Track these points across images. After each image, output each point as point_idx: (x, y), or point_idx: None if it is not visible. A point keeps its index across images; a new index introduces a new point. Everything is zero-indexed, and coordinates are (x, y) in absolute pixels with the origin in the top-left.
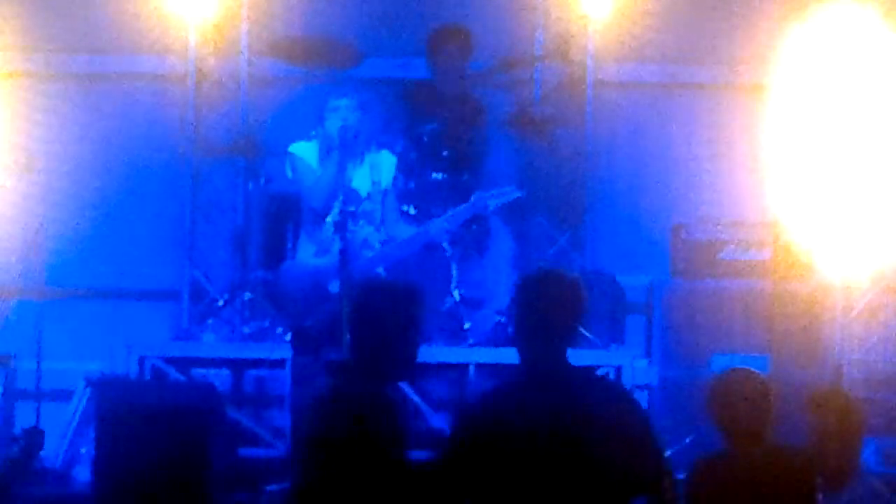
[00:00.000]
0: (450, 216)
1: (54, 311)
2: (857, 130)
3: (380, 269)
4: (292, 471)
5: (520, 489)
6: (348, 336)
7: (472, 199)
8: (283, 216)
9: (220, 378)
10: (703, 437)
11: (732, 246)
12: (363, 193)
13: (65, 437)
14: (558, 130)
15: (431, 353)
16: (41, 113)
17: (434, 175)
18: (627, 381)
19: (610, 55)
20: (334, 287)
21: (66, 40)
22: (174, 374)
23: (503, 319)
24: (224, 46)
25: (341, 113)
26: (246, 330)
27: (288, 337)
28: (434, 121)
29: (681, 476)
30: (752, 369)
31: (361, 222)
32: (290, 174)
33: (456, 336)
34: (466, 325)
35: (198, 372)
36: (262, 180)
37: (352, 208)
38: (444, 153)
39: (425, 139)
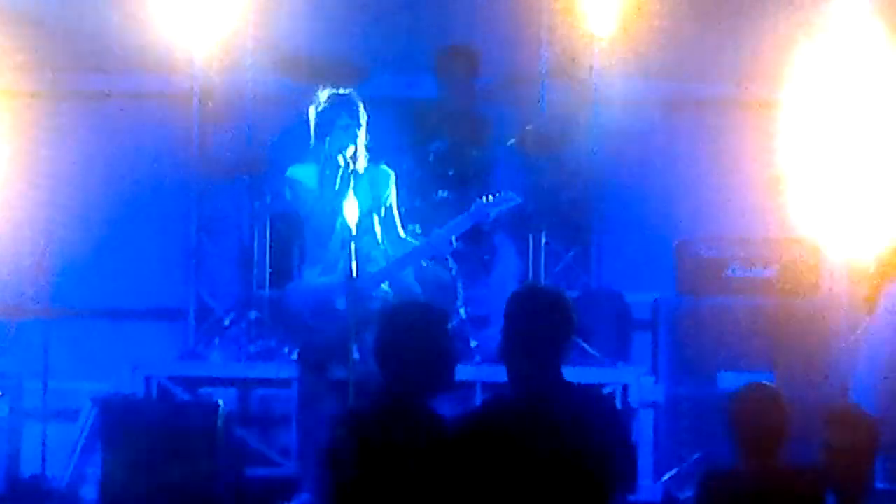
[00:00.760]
0: (451, 226)
1: (60, 330)
2: (863, 147)
3: (385, 286)
4: (312, 489)
5: None
6: (386, 356)
7: (472, 207)
8: (288, 235)
9: (227, 397)
10: (710, 454)
11: (738, 263)
12: (365, 209)
13: (71, 457)
14: (564, 148)
15: None
16: (48, 132)
17: (440, 193)
18: (634, 398)
19: (615, 72)
20: (341, 304)
21: (73, 60)
22: (180, 393)
23: None
24: (229, 65)
25: (344, 131)
26: (252, 349)
27: (294, 356)
28: (440, 139)
29: (688, 493)
30: (771, 385)
31: (365, 238)
32: (288, 197)
33: (462, 354)
34: (473, 344)
35: (204, 391)
36: (268, 198)
37: (355, 224)
38: (450, 171)
39: (431, 157)
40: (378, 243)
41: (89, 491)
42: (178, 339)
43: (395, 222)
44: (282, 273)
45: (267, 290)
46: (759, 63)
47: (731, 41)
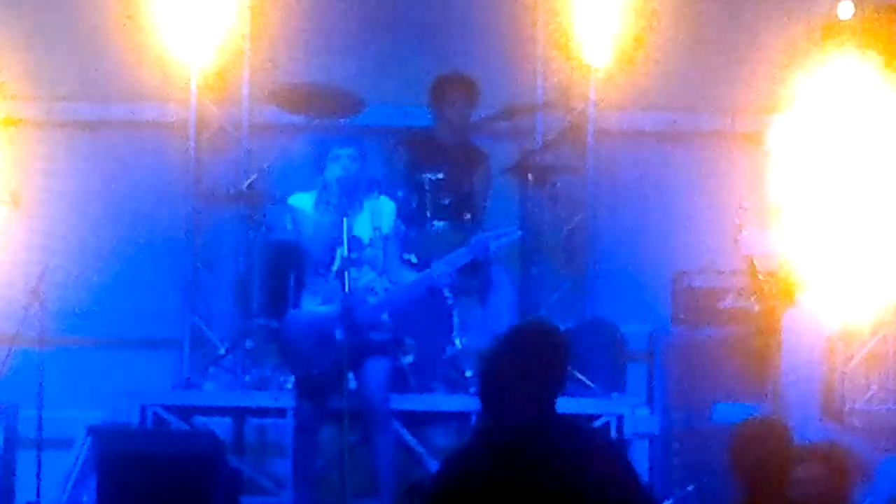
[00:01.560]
0: (451, 259)
1: (56, 359)
2: (857, 178)
3: (384, 316)
4: None
5: None
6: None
7: (472, 241)
8: (285, 264)
9: (222, 426)
10: (705, 485)
11: (734, 294)
12: (365, 240)
13: (66, 486)
14: (560, 178)
15: (432, 401)
16: (43, 160)
17: (436, 223)
18: (629, 429)
19: (611, 103)
20: (338, 335)
21: (69, 88)
22: (176, 422)
23: None
24: (226, 94)
25: (342, 162)
26: (247, 378)
27: (290, 385)
28: (435, 169)
29: None
30: (777, 419)
31: (365, 268)
32: (289, 226)
33: (457, 384)
34: (468, 373)
35: (199, 420)
36: (264, 228)
37: (354, 255)
38: (446, 201)
39: (427, 187)
40: (377, 274)
41: None
42: (174, 368)
43: (395, 253)
44: (278, 302)
45: (263, 319)
46: (756, 94)
47: (728, 72)
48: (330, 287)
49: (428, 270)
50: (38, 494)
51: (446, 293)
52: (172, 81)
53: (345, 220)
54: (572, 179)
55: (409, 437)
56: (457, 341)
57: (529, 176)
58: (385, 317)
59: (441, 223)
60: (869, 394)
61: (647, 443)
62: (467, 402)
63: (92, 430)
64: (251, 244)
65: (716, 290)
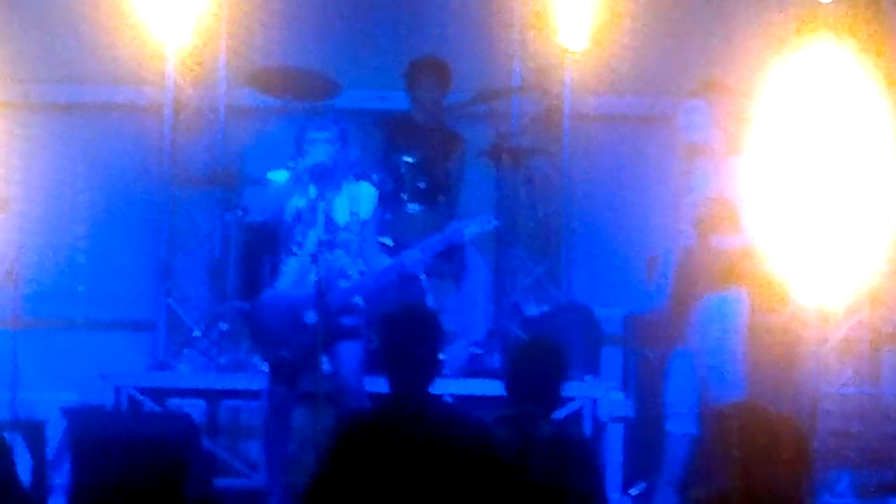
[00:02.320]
0: (425, 246)
1: (30, 341)
2: (833, 162)
3: (357, 299)
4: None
5: None
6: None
7: (448, 229)
8: (259, 247)
9: (196, 408)
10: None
11: None
12: (340, 223)
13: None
14: (536, 162)
15: None
16: (18, 143)
17: (411, 206)
18: (603, 412)
19: (587, 87)
20: (311, 318)
21: (44, 71)
22: (150, 404)
23: (479, 351)
24: (202, 77)
25: (319, 145)
26: (222, 360)
27: (264, 367)
28: (411, 152)
29: None
30: (758, 403)
31: (338, 252)
32: (266, 201)
33: None
34: (442, 357)
35: (174, 402)
36: (239, 211)
37: (328, 238)
38: (422, 185)
39: (402, 170)
40: (352, 258)
41: (58, 502)
42: (148, 350)
43: (372, 239)
44: (252, 285)
45: (237, 301)
46: (732, 79)
47: (704, 57)
48: (303, 269)
49: (400, 257)
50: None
51: (421, 276)
52: (148, 64)
53: (320, 202)
54: (548, 163)
55: None
56: None
57: (505, 159)
58: (358, 300)
59: (416, 206)
60: (842, 378)
61: (621, 426)
62: (441, 385)
63: (66, 413)
64: (226, 226)
65: None
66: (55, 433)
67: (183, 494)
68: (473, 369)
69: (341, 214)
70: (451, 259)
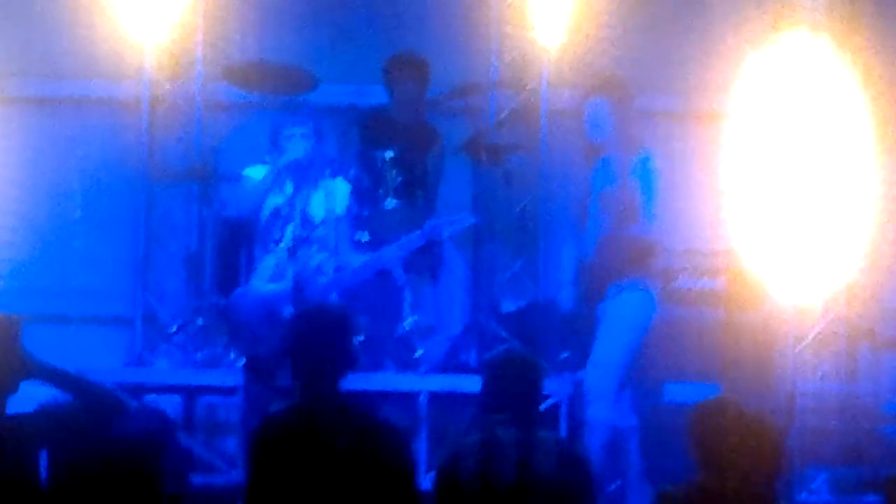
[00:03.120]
0: (402, 243)
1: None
2: (811, 160)
3: (333, 295)
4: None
5: None
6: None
7: (425, 226)
8: (236, 242)
9: (172, 404)
10: (655, 465)
11: (685, 274)
12: (317, 220)
13: None
14: (513, 157)
15: (383, 380)
16: None
17: (388, 202)
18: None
19: (565, 83)
20: (287, 313)
21: (20, 64)
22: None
23: (456, 347)
24: (179, 71)
25: (296, 141)
26: (198, 356)
27: (241, 364)
28: (388, 148)
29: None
30: (731, 398)
31: (315, 248)
32: (243, 197)
33: (407, 363)
34: (418, 353)
35: (150, 398)
36: (217, 206)
37: (305, 234)
38: (398, 180)
39: (379, 166)
40: (328, 254)
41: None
42: (125, 346)
43: (346, 235)
44: (229, 280)
45: (214, 297)
46: (709, 75)
47: (682, 53)
48: (279, 265)
49: (377, 254)
50: None
51: (397, 272)
52: (125, 58)
53: (296, 198)
54: (525, 158)
55: None
56: (408, 320)
57: (482, 155)
58: (335, 296)
59: (394, 202)
60: (819, 374)
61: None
62: (418, 382)
63: (42, 408)
64: (203, 221)
65: (667, 270)
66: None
67: (159, 490)
68: (450, 365)
69: (317, 210)
70: (428, 254)
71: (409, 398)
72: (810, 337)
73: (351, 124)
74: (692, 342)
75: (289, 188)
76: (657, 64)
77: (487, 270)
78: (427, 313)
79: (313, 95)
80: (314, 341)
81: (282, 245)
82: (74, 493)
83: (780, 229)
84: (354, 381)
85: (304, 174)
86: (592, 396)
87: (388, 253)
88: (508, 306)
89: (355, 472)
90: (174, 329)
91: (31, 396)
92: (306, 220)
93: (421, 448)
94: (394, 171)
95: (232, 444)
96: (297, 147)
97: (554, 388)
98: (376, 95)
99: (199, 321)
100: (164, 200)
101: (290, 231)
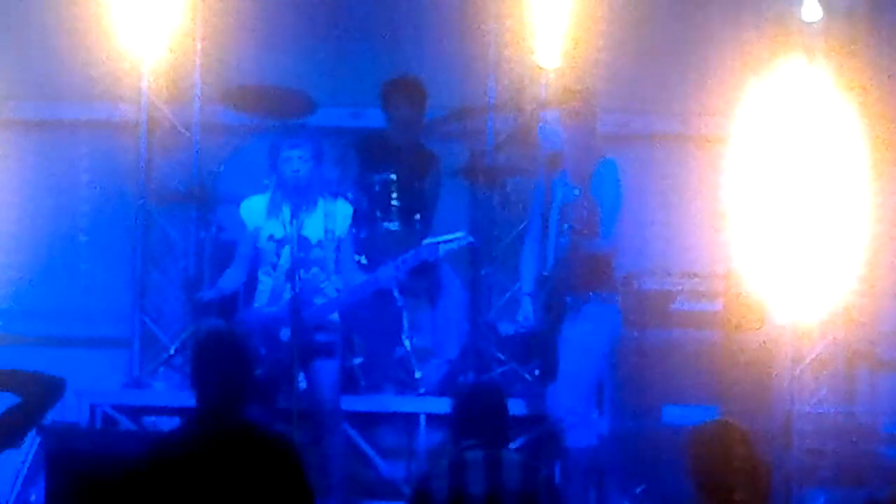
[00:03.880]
0: (400, 262)
1: (4, 357)
2: (808, 184)
3: (333, 316)
4: None
5: None
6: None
7: (422, 245)
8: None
9: (171, 426)
10: (654, 487)
11: (684, 296)
12: (314, 241)
13: (14, 485)
14: (511, 179)
15: (382, 402)
16: None
17: (386, 224)
18: None
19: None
20: (286, 335)
21: (18, 87)
22: (125, 422)
23: (455, 369)
24: (177, 94)
25: (293, 163)
26: None
27: None
28: (386, 170)
29: None
30: (733, 422)
31: (314, 269)
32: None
33: (406, 385)
34: (417, 375)
35: (149, 420)
36: (214, 228)
37: (302, 255)
38: (396, 203)
39: (377, 188)
40: (327, 275)
41: None
42: (123, 368)
43: (349, 255)
44: (227, 303)
45: (212, 319)
46: (707, 98)
47: (679, 75)
48: (278, 286)
49: (374, 273)
50: None
51: (396, 294)
52: (123, 81)
53: (294, 220)
54: (523, 181)
55: (358, 439)
56: (406, 342)
57: (480, 177)
58: (334, 317)
59: (391, 224)
60: (818, 396)
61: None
62: (417, 404)
63: (41, 430)
64: (201, 244)
65: (666, 292)
66: (30, 450)
67: None
68: (449, 387)
69: (316, 232)
70: (426, 277)
71: (408, 419)
72: (809, 359)
73: (348, 147)
74: (691, 364)
75: (286, 210)
76: (655, 87)
77: (485, 293)
78: (425, 336)
79: (312, 118)
80: (205, 367)
81: (280, 267)
82: None
83: (778, 252)
84: (354, 403)
85: (302, 196)
86: (563, 415)
87: (386, 272)
88: (506, 329)
89: (237, 492)
90: (172, 351)
91: None
92: (304, 242)
93: (420, 469)
94: (391, 194)
95: None
96: (295, 169)
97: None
98: (374, 118)
99: None
100: (162, 223)
101: (286, 253)
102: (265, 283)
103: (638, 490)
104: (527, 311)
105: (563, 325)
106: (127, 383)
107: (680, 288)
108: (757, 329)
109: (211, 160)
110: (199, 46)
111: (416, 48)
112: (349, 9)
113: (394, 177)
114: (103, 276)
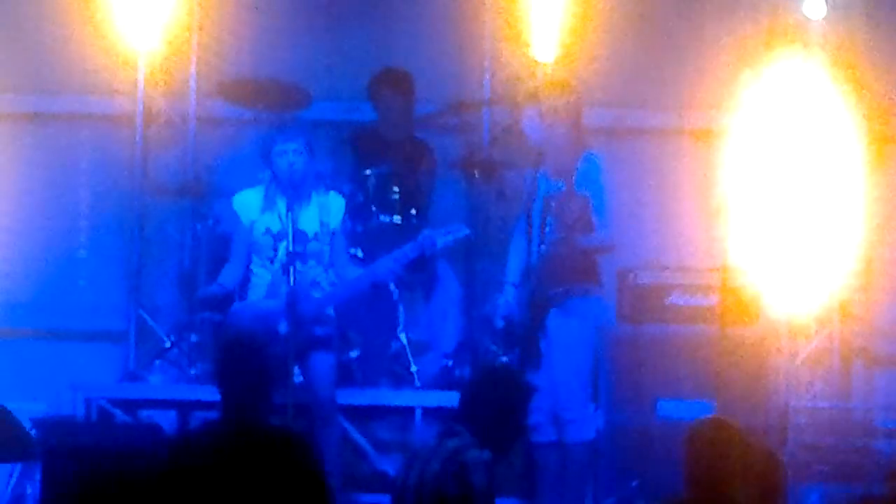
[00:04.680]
0: (396, 255)
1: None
2: (803, 177)
3: (329, 310)
4: None
5: None
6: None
7: (419, 237)
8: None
9: (167, 420)
10: (649, 481)
11: (679, 291)
12: (310, 234)
13: (10, 478)
14: (507, 174)
15: (377, 395)
16: None
17: (381, 218)
18: None
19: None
20: (282, 328)
21: (14, 80)
22: (121, 415)
23: (450, 363)
24: (173, 87)
25: (288, 156)
26: (193, 371)
27: None
28: (381, 164)
29: None
30: (727, 418)
31: (311, 263)
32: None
33: (402, 379)
34: (413, 369)
35: (144, 413)
36: (210, 221)
37: (299, 249)
38: (392, 196)
39: (372, 182)
40: (323, 269)
41: None
42: (119, 361)
43: (342, 248)
44: (223, 295)
45: (208, 312)
46: (702, 92)
47: (674, 70)
48: (274, 281)
49: (372, 266)
50: None
51: (392, 288)
52: (119, 74)
53: (289, 213)
54: (518, 175)
55: (354, 432)
56: (402, 336)
57: (476, 171)
58: (330, 311)
59: (387, 218)
60: (813, 391)
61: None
62: (412, 397)
63: (36, 423)
64: (197, 237)
65: (661, 286)
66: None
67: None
68: (445, 381)
69: (312, 225)
70: (421, 271)
71: (404, 413)
72: (804, 354)
73: (344, 141)
74: (686, 359)
75: (281, 204)
76: (651, 81)
77: (481, 287)
78: (421, 330)
79: (307, 111)
80: (229, 370)
81: (276, 260)
82: None
83: (774, 247)
84: (349, 397)
85: (297, 189)
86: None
87: (384, 265)
88: (502, 322)
89: (257, 493)
90: (168, 345)
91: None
92: (300, 235)
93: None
94: (386, 188)
95: None
96: (289, 162)
97: None
98: (370, 112)
99: (193, 337)
100: (158, 216)
101: (283, 247)
102: (262, 276)
103: (633, 484)
104: (508, 299)
105: (547, 319)
106: (123, 377)
107: (675, 282)
108: (752, 324)
109: (207, 153)
110: (195, 39)
111: (412, 42)
112: (345, 3)
113: (388, 170)
114: (99, 269)
